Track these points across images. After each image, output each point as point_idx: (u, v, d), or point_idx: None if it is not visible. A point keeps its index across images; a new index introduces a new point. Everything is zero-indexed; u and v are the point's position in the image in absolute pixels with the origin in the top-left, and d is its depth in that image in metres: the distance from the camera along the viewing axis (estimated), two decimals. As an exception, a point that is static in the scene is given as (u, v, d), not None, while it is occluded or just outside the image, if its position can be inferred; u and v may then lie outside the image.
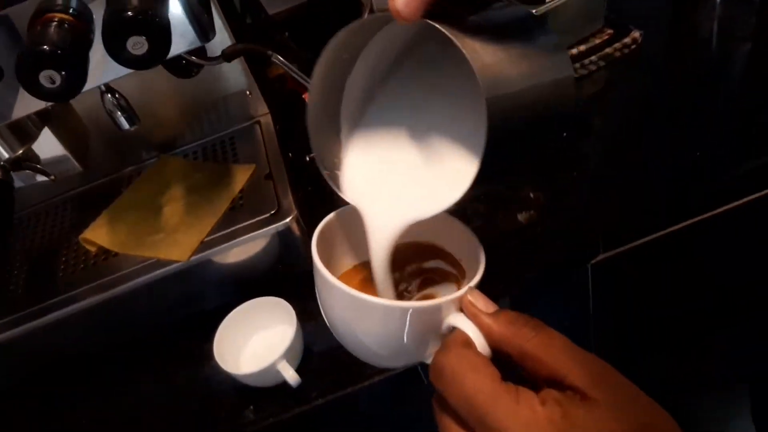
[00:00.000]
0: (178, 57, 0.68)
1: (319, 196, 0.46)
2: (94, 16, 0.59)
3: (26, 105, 0.64)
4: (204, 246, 0.76)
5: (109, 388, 0.79)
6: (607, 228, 0.80)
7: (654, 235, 0.84)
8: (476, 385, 0.33)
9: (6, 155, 0.69)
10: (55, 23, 0.57)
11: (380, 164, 0.46)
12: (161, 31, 0.55)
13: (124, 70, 0.63)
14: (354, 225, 0.47)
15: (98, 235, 0.80)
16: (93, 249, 0.79)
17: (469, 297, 0.39)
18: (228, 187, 0.81)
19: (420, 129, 0.45)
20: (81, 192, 0.91)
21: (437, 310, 0.39)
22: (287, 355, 0.66)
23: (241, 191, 0.81)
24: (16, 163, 0.71)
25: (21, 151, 0.71)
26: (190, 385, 0.77)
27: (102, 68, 0.64)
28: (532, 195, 0.86)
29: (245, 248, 0.76)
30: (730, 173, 0.82)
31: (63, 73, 0.56)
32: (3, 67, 0.60)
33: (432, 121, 0.44)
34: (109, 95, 0.69)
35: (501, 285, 0.77)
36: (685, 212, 0.84)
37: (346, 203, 0.47)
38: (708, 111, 0.91)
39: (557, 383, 0.33)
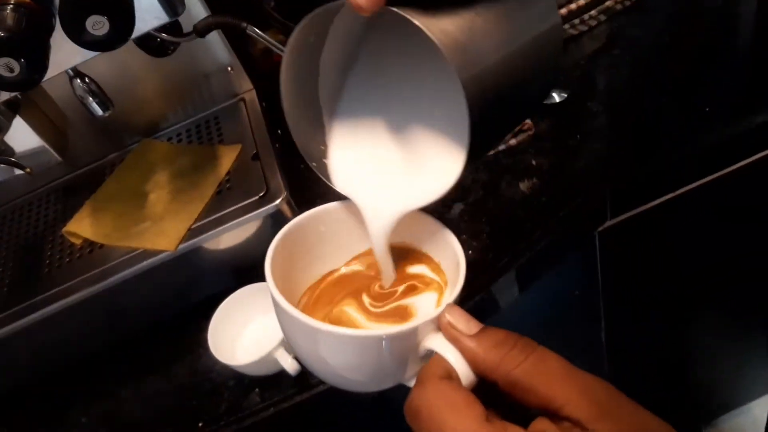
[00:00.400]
0: (149, 35, 0.64)
1: (311, 174, 0.43)
2: (53, -2, 0.55)
3: (-10, 95, 0.60)
4: (192, 233, 0.72)
5: (105, 387, 0.77)
6: (613, 193, 0.76)
7: (662, 199, 0.80)
8: (457, 428, 0.29)
9: (-25, 150, 0.66)
10: (10, 6, 0.53)
11: (369, 150, 0.43)
12: (122, 8, 0.51)
13: (90, 53, 0.59)
14: (317, 232, 0.44)
15: (82, 227, 0.76)
16: (78, 242, 0.76)
17: (448, 317, 0.34)
18: (214, 170, 0.77)
19: (405, 110, 0.42)
20: (63, 182, 0.87)
21: (412, 334, 0.35)
22: (285, 343, 0.64)
23: (227, 174, 0.77)
24: (-13, 158, 0.67)
25: (-8, 145, 0.67)
26: (188, 379, 0.75)
27: (67, 52, 0.59)
28: (534, 162, 0.82)
29: (235, 233, 0.73)
30: (740, 128, 0.78)
31: (22, 60, 0.52)
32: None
33: (417, 101, 0.41)
34: (78, 80, 0.65)
35: (506, 257, 0.74)
36: (694, 173, 0.80)
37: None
38: (716, 64, 0.86)
39: (552, 413, 0.29)
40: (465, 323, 0.33)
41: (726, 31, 0.90)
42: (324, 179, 0.43)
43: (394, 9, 0.31)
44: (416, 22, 0.31)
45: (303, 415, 0.70)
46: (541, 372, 0.30)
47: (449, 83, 0.32)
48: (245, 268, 0.75)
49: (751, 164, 0.79)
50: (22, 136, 0.77)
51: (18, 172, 0.72)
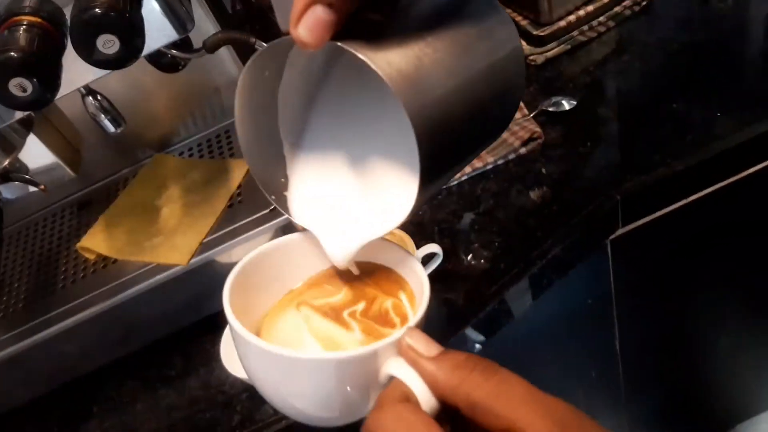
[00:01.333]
0: (160, 52, 0.64)
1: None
2: (66, 17, 0.56)
3: (5, 114, 0.61)
4: (204, 247, 0.73)
5: (120, 399, 0.78)
6: (625, 201, 0.76)
7: (674, 206, 0.79)
8: None
9: (-10, 168, 0.67)
10: (23, 27, 0.54)
11: (329, 183, 0.42)
12: (132, 28, 0.52)
13: (101, 71, 0.60)
14: (279, 259, 0.43)
15: (96, 242, 0.77)
16: (92, 257, 0.77)
17: (408, 339, 0.33)
18: (225, 184, 0.78)
19: (364, 142, 0.41)
20: (76, 198, 0.88)
21: (371, 357, 0.33)
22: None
23: (238, 187, 0.78)
24: (2, 176, 0.68)
25: (7, 163, 0.68)
26: (201, 392, 0.75)
27: (79, 70, 0.60)
28: (544, 170, 0.82)
29: (246, 246, 0.73)
30: (753, 133, 0.77)
31: (34, 80, 0.53)
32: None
33: (375, 133, 0.40)
34: (90, 98, 0.66)
35: (517, 266, 0.74)
36: (706, 180, 0.79)
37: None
38: (726, 69, 0.85)
39: None
40: (425, 346, 0.32)
41: (736, 35, 0.90)
42: (283, 212, 0.42)
43: (339, 44, 0.30)
44: (360, 56, 0.30)
45: (316, 428, 0.70)
46: (502, 394, 0.29)
47: (401, 115, 0.31)
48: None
49: (764, 169, 0.79)
50: (36, 153, 0.78)
51: (32, 189, 0.73)
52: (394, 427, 0.29)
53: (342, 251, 0.41)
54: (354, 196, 0.42)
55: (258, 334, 0.41)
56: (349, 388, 0.35)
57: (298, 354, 0.35)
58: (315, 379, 0.35)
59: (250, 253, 0.43)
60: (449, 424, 0.32)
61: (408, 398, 0.31)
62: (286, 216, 0.43)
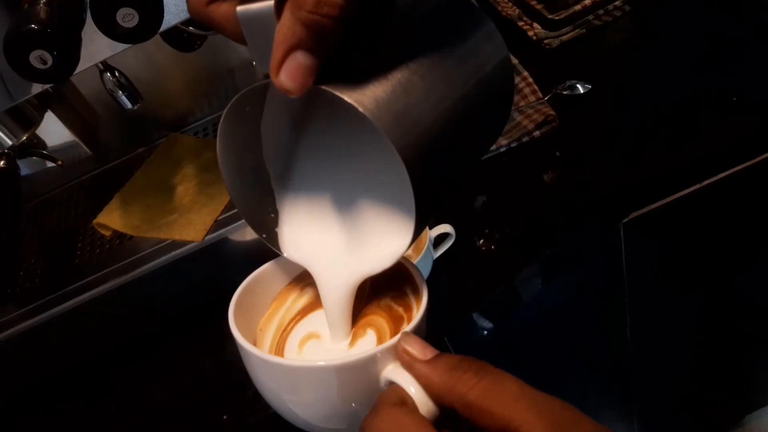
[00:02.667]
0: (177, 29, 0.65)
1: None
2: (85, -8, 0.56)
3: (23, 89, 0.62)
4: (218, 224, 0.74)
5: (134, 377, 0.79)
6: (639, 185, 0.76)
7: (688, 190, 0.79)
8: None
9: (9, 142, 0.67)
10: (44, 0, 0.54)
11: (322, 217, 0.41)
12: (151, 1, 0.52)
13: (120, 46, 0.61)
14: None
15: (112, 218, 0.78)
16: (107, 233, 0.78)
17: (403, 344, 0.33)
18: (239, 163, 0.78)
19: (355, 175, 0.40)
20: (93, 176, 0.89)
21: (369, 363, 0.34)
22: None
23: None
24: (21, 150, 0.69)
25: (25, 138, 0.69)
26: (214, 369, 0.76)
27: (97, 46, 0.61)
28: (558, 153, 0.82)
29: (260, 225, 0.74)
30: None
31: (54, 52, 0.54)
32: (-7, 50, 0.57)
33: (366, 166, 0.39)
34: (108, 74, 0.67)
35: (530, 249, 0.74)
36: (721, 164, 0.79)
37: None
38: (745, 53, 0.85)
39: None
40: (420, 350, 0.33)
41: (754, 19, 0.89)
42: (275, 250, 0.42)
43: (323, 87, 0.30)
44: (347, 99, 0.29)
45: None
46: (496, 393, 0.29)
47: (391, 151, 0.30)
48: (271, 259, 0.76)
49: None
50: (53, 131, 0.79)
51: (50, 164, 0.74)
52: (389, 428, 0.30)
53: (337, 289, 0.40)
54: (348, 231, 0.41)
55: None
56: (349, 395, 0.35)
57: (296, 363, 0.35)
58: (315, 386, 0.35)
59: (253, 273, 0.43)
60: (449, 427, 0.32)
61: (404, 402, 0.32)
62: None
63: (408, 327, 0.36)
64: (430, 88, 0.33)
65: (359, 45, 0.32)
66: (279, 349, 0.41)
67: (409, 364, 0.33)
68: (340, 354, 0.39)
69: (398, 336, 0.34)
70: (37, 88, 0.62)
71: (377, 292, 0.42)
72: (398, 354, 0.34)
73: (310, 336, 0.42)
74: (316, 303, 0.44)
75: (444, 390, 0.31)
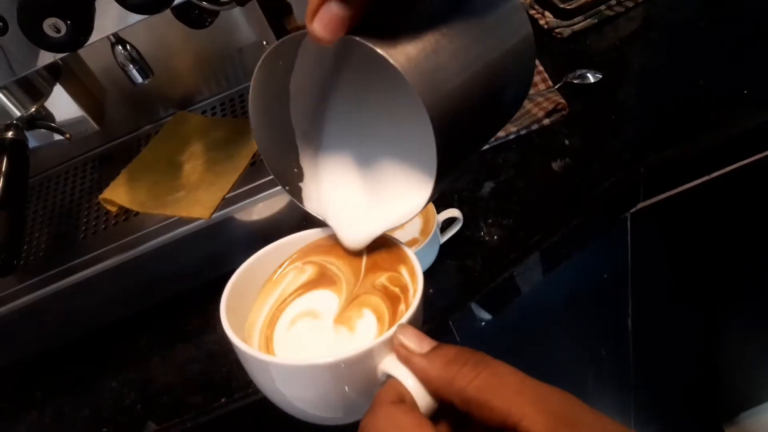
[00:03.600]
0: (190, 3, 0.64)
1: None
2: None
3: (34, 59, 0.61)
4: (226, 203, 0.73)
5: (137, 353, 0.79)
6: (647, 175, 0.76)
7: (697, 182, 0.79)
8: None
9: (18, 113, 0.67)
10: (57, -32, 0.54)
11: (343, 172, 0.42)
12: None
13: (133, 18, 0.60)
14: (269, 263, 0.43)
15: (118, 194, 0.78)
16: (113, 209, 0.78)
17: (400, 336, 0.33)
18: (248, 143, 0.78)
19: (380, 133, 0.41)
20: (99, 152, 0.89)
21: (366, 357, 0.33)
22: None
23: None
24: (29, 122, 0.68)
25: (33, 109, 0.68)
26: (217, 346, 0.76)
27: (110, 17, 0.60)
28: (567, 142, 0.82)
29: (268, 204, 0.74)
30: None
31: (68, 21, 0.53)
32: (7, 19, 0.57)
33: (391, 125, 0.40)
34: (120, 47, 0.66)
35: (536, 236, 0.74)
36: (730, 156, 0.79)
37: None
38: (754, 47, 0.84)
39: (512, 429, 0.28)
40: (417, 342, 0.32)
41: (764, 12, 0.88)
42: (297, 202, 0.42)
43: (355, 38, 0.30)
44: (379, 51, 0.30)
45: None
46: (494, 387, 0.29)
47: (418, 107, 0.31)
48: (276, 239, 0.76)
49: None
50: (61, 105, 0.78)
51: (57, 137, 0.74)
52: (386, 427, 0.29)
53: (356, 240, 0.41)
54: (369, 186, 0.42)
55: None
56: (347, 389, 0.35)
57: (291, 361, 0.35)
58: (310, 382, 0.35)
59: (240, 267, 0.42)
60: (448, 420, 0.32)
61: (402, 398, 0.31)
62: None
63: (404, 318, 0.35)
64: (458, 52, 0.34)
65: (391, 3, 0.32)
66: (271, 324, 0.40)
67: (406, 358, 0.32)
68: (329, 334, 0.39)
69: (394, 328, 0.34)
70: (48, 58, 0.61)
71: (372, 271, 0.42)
72: (395, 347, 0.33)
73: (303, 314, 0.41)
74: (310, 283, 0.43)
75: (442, 384, 0.30)
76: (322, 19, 0.29)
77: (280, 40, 0.34)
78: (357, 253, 0.43)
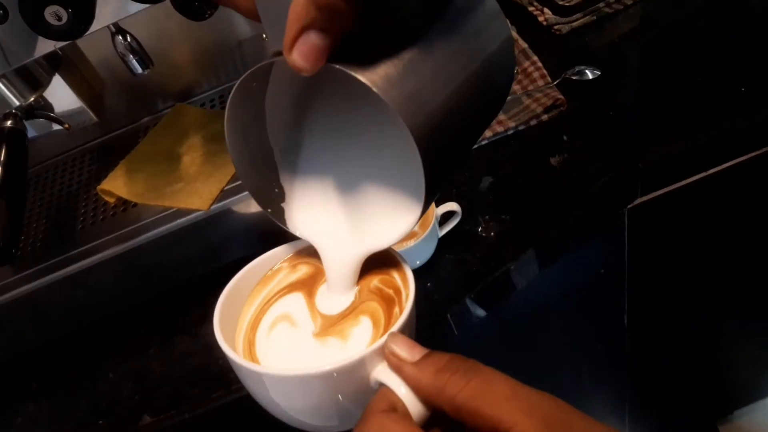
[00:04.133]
0: (191, -6, 0.64)
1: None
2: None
3: (34, 48, 0.61)
4: (224, 195, 0.73)
5: (134, 345, 0.79)
6: (645, 171, 0.76)
7: (694, 178, 0.79)
8: None
9: (17, 102, 0.67)
10: (58, -44, 0.54)
11: (328, 192, 0.41)
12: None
13: (133, 7, 0.60)
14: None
15: (116, 185, 0.78)
16: (111, 200, 0.77)
17: (391, 345, 0.33)
18: (247, 135, 0.78)
19: (363, 151, 0.40)
20: (97, 143, 0.88)
21: (357, 366, 0.33)
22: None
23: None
24: (28, 111, 0.68)
25: (32, 99, 0.68)
26: (215, 339, 0.75)
27: (111, 6, 0.60)
28: (565, 138, 0.82)
29: (266, 197, 0.74)
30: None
31: (69, 10, 0.53)
32: (7, 7, 0.57)
33: (374, 142, 0.39)
34: (120, 37, 0.66)
35: (534, 231, 0.74)
36: (728, 153, 0.79)
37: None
38: (752, 45, 0.85)
39: None
40: (408, 351, 0.32)
41: (762, 11, 0.89)
42: (280, 225, 0.41)
43: (337, 66, 0.30)
44: (360, 78, 0.29)
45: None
46: (485, 395, 0.29)
47: (401, 129, 0.30)
48: (274, 233, 0.76)
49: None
50: (60, 96, 0.78)
51: (56, 128, 0.73)
52: None
53: (343, 263, 0.40)
54: (354, 206, 0.41)
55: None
56: (340, 397, 0.35)
57: (282, 372, 0.34)
58: (304, 392, 0.35)
59: (236, 275, 0.42)
60: (441, 427, 0.32)
61: (394, 407, 0.31)
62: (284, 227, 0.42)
63: (396, 326, 0.35)
64: (439, 68, 0.33)
65: (369, 24, 0.31)
66: (253, 328, 0.40)
67: (397, 367, 0.32)
68: (307, 338, 0.39)
69: (385, 337, 0.34)
70: (48, 47, 0.61)
71: (363, 277, 0.41)
72: (386, 355, 0.33)
73: (281, 318, 0.41)
74: (291, 286, 0.43)
75: (433, 392, 0.30)
76: (301, 49, 0.28)
77: (251, 69, 0.33)
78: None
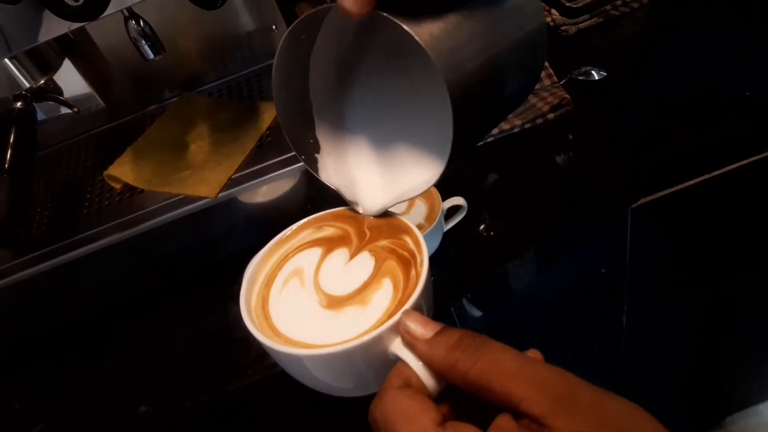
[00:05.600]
0: (204, -18, 0.65)
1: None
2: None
3: (46, 30, 0.61)
4: (232, 183, 0.73)
5: (136, 333, 0.78)
6: (650, 171, 0.77)
7: (699, 179, 0.80)
8: None
9: (27, 84, 0.67)
10: (76, -62, 0.54)
11: (358, 145, 0.44)
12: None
13: (149, -9, 0.60)
14: None
15: (123, 171, 0.77)
16: (117, 186, 0.77)
17: (405, 321, 0.34)
18: (255, 125, 0.78)
19: (394, 108, 0.42)
20: (104, 129, 0.88)
21: (376, 341, 0.35)
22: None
23: (268, 128, 0.78)
24: (38, 94, 0.68)
25: (42, 82, 0.68)
26: (218, 327, 0.75)
27: (126, -9, 0.60)
28: (571, 137, 0.82)
29: (274, 186, 0.74)
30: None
31: (86, -10, 0.54)
32: (23, -13, 0.57)
33: (408, 100, 0.42)
34: (133, 22, 0.66)
35: (538, 228, 0.75)
36: (730, 157, 0.80)
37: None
38: (758, 51, 0.86)
39: (513, 410, 0.29)
40: (421, 328, 0.34)
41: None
42: (312, 172, 0.44)
43: (383, 13, 0.32)
44: (405, 27, 0.31)
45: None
46: (495, 371, 0.30)
47: (437, 85, 0.32)
48: (280, 222, 0.76)
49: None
50: (71, 81, 0.78)
51: (63, 111, 0.73)
52: (391, 412, 0.31)
53: (371, 208, 0.42)
54: (383, 160, 0.43)
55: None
56: (363, 368, 0.36)
57: (305, 352, 0.35)
58: (323, 367, 0.36)
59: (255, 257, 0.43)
60: (457, 398, 0.33)
61: (408, 381, 0.33)
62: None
63: (408, 303, 0.36)
64: (477, 35, 0.35)
65: None
66: (267, 284, 0.42)
67: (411, 344, 0.33)
68: (317, 298, 0.40)
69: (400, 313, 0.35)
70: (62, 28, 0.61)
71: (377, 240, 0.43)
72: (401, 332, 0.34)
73: (294, 273, 0.42)
74: (311, 243, 0.44)
75: (445, 369, 0.31)
76: None
77: (306, 14, 0.35)
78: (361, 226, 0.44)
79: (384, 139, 0.43)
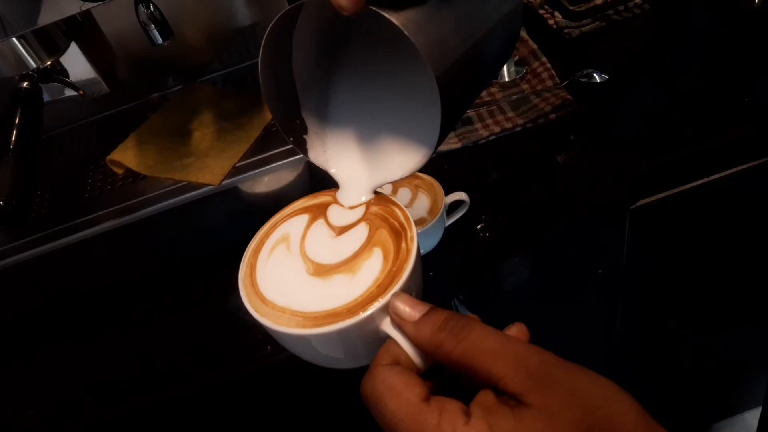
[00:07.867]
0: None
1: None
2: None
3: (55, 11, 0.61)
4: (235, 171, 0.73)
5: (134, 318, 0.78)
6: (650, 172, 0.78)
7: (699, 182, 0.81)
8: (396, 412, 0.31)
9: (34, 65, 0.67)
10: None
11: (345, 127, 0.45)
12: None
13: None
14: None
15: (126, 157, 0.77)
16: (120, 171, 0.77)
17: (394, 302, 0.36)
18: (260, 114, 0.78)
19: (381, 90, 0.43)
20: (108, 116, 0.88)
21: (367, 321, 0.36)
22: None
23: (273, 118, 0.78)
24: (44, 74, 0.68)
25: (49, 63, 0.68)
26: (218, 315, 0.75)
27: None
28: (572, 137, 0.83)
29: (277, 176, 0.74)
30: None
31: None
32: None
33: (391, 83, 0.43)
34: (143, 6, 0.66)
35: (537, 227, 0.75)
36: (728, 161, 0.81)
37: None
38: (757, 57, 0.87)
39: (494, 388, 0.31)
40: (410, 309, 0.35)
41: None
42: (301, 153, 0.44)
43: (373, 8, 0.33)
44: (395, 22, 0.32)
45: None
46: (476, 352, 0.31)
47: (423, 75, 0.33)
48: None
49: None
50: (76, 65, 0.78)
51: (68, 93, 0.73)
52: (378, 388, 0.32)
53: (356, 194, 0.43)
54: (370, 141, 0.44)
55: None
56: (355, 345, 0.38)
57: (300, 331, 0.36)
58: (322, 345, 0.38)
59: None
60: (444, 375, 0.34)
61: (397, 359, 0.34)
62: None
63: (397, 285, 0.37)
64: (461, 22, 0.37)
65: None
66: (255, 252, 0.42)
67: (400, 325, 0.35)
68: (304, 266, 0.40)
69: (389, 295, 0.36)
70: (72, 9, 0.61)
71: (369, 209, 0.43)
72: (390, 313, 0.36)
73: (281, 240, 0.42)
74: (301, 210, 0.44)
75: (431, 349, 0.33)
76: None
77: (286, 9, 0.36)
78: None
79: (368, 122, 0.44)
